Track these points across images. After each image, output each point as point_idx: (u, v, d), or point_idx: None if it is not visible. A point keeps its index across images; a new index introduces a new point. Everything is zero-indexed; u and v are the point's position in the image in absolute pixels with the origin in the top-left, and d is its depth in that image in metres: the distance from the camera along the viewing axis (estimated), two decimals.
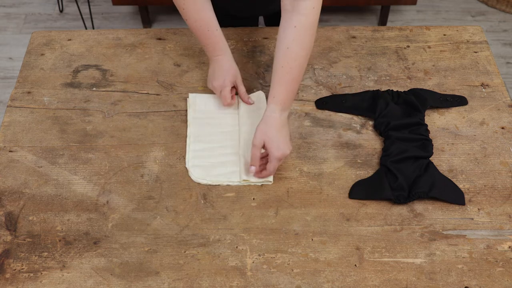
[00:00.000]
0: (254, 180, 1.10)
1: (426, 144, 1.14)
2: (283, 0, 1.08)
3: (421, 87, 1.28)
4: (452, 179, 1.11)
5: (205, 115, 1.22)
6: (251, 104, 1.22)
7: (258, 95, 1.25)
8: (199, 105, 1.23)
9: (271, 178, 1.11)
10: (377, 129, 1.19)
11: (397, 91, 1.24)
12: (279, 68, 1.09)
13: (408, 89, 1.27)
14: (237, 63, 1.30)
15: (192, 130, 1.19)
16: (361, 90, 1.27)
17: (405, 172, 1.10)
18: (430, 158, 1.13)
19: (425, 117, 1.21)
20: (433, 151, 1.15)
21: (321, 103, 1.25)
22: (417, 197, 1.07)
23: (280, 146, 1.07)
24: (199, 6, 1.17)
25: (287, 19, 1.08)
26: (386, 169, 1.11)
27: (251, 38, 1.38)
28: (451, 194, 1.08)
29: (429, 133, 1.17)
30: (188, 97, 1.25)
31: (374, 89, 1.26)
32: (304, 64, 1.10)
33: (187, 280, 0.98)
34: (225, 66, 1.20)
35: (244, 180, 1.10)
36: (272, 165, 1.08)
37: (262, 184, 1.11)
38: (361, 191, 1.09)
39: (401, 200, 1.07)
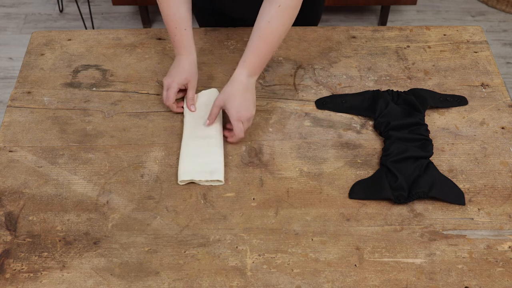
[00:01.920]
0: (201, 178, 1.10)
1: (426, 144, 1.14)
2: None
3: (421, 87, 1.28)
4: (452, 179, 1.11)
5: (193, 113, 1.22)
6: (193, 111, 1.20)
7: (210, 93, 1.25)
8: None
9: (222, 178, 1.10)
10: (377, 129, 1.19)
11: (397, 91, 1.24)
12: (256, 37, 1.13)
13: (408, 89, 1.27)
14: (237, 63, 1.30)
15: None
16: (361, 90, 1.27)
17: (405, 172, 1.10)
18: (431, 158, 1.13)
19: (425, 117, 1.20)
20: (433, 151, 1.15)
21: (321, 103, 1.25)
22: (417, 197, 1.07)
23: (239, 108, 1.12)
24: (173, 2, 1.17)
25: None
26: (386, 169, 1.11)
27: None
28: (451, 194, 1.08)
29: (429, 133, 1.17)
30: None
31: (374, 89, 1.26)
32: (281, 39, 1.14)
33: (187, 280, 0.98)
34: (181, 67, 1.20)
35: (182, 180, 1.11)
36: (235, 127, 1.13)
37: (217, 185, 1.11)
38: (361, 191, 1.09)
39: (401, 200, 1.07)
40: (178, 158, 1.14)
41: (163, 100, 1.21)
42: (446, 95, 1.25)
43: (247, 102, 1.14)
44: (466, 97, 1.26)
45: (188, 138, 1.16)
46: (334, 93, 1.27)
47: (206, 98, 1.23)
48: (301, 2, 1.12)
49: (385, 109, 1.19)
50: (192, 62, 1.21)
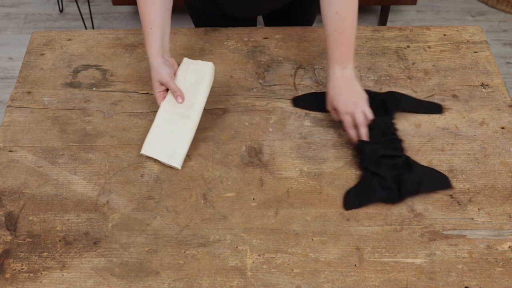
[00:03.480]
0: (159, 158, 1.11)
1: (395, 143, 1.14)
2: None
3: (421, 87, 1.28)
4: (452, 179, 1.11)
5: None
6: (180, 102, 1.15)
7: (201, 69, 1.19)
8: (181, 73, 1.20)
9: (179, 165, 1.11)
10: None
11: (374, 91, 1.23)
12: (332, 32, 1.13)
13: (408, 89, 1.27)
14: (237, 63, 1.30)
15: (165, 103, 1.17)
16: None
17: (386, 172, 1.10)
18: (419, 159, 1.14)
19: (394, 119, 1.20)
20: (433, 151, 1.16)
21: (298, 101, 1.25)
22: (408, 195, 1.08)
23: (347, 103, 1.12)
24: (147, 1, 1.15)
25: None
26: (370, 172, 1.11)
27: (251, 38, 1.39)
28: (438, 183, 1.09)
29: (397, 130, 1.17)
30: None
31: None
32: (355, 23, 1.15)
33: (187, 280, 0.98)
34: (152, 69, 1.16)
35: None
36: (344, 120, 1.12)
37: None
38: (354, 200, 1.09)
39: (393, 199, 1.07)
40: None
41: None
42: (422, 101, 1.24)
43: (351, 94, 1.13)
44: (466, 97, 1.26)
45: (166, 112, 1.15)
46: (312, 92, 1.26)
47: (196, 76, 1.18)
48: None
49: None
50: (160, 63, 1.15)
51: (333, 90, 1.14)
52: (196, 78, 1.18)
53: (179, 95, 1.15)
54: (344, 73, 1.14)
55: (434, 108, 1.24)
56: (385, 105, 1.19)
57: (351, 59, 1.15)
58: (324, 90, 1.26)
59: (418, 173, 1.10)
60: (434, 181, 1.10)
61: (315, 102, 1.24)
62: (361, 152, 1.13)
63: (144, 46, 1.19)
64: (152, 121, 1.22)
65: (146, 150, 1.12)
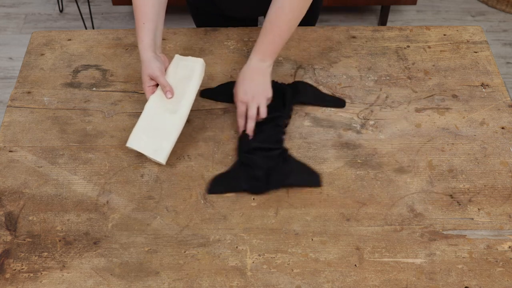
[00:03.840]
0: (145, 152, 1.11)
1: (276, 135, 1.15)
2: None
3: (421, 87, 1.28)
4: (452, 179, 1.11)
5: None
6: (169, 98, 1.14)
7: (192, 65, 1.19)
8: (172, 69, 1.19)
9: (163, 161, 1.11)
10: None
11: (281, 83, 1.24)
12: (267, 23, 1.14)
13: (408, 88, 1.27)
14: (237, 63, 1.30)
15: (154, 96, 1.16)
16: (362, 90, 1.27)
17: (259, 163, 1.10)
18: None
19: (292, 111, 1.21)
20: (433, 151, 1.16)
21: (206, 92, 1.26)
22: (274, 187, 1.08)
23: (246, 90, 1.14)
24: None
25: None
26: (240, 162, 1.12)
27: (251, 38, 1.38)
28: (307, 179, 1.10)
29: (287, 124, 1.18)
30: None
31: None
32: (294, 25, 1.15)
33: (187, 280, 0.98)
34: (143, 63, 1.15)
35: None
36: (238, 108, 1.14)
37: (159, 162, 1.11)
38: (219, 185, 1.10)
39: (258, 190, 1.08)
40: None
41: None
42: (326, 95, 1.25)
43: (255, 86, 1.14)
44: (466, 97, 1.26)
45: (154, 106, 1.14)
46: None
47: (186, 71, 1.18)
48: None
49: None
50: (151, 58, 1.14)
51: (241, 76, 1.16)
52: (186, 73, 1.17)
53: (168, 90, 1.14)
54: (259, 65, 1.16)
55: (338, 103, 1.24)
56: (283, 97, 1.20)
57: (273, 55, 1.16)
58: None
59: (289, 166, 1.11)
60: (304, 176, 1.11)
61: (222, 91, 1.25)
62: (239, 143, 1.15)
63: (136, 41, 1.18)
64: None
65: (131, 143, 1.11)
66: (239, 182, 1.09)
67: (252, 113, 1.14)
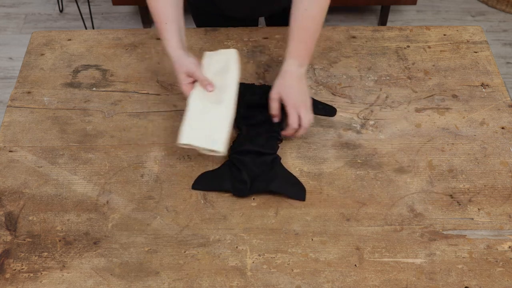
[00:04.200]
0: (200, 144, 1.07)
1: (272, 141, 1.14)
2: None
3: (421, 87, 1.28)
4: (452, 179, 1.11)
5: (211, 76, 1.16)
6: (210, 91, 1.12)
7: (226, 56, 1.18)
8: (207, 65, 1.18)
9: (222, 149, 1.07)
10: (236, 119, 1.16)
11: (269, 85, 1.20)
12: (295, 27, 1.13)
13: (404, 88, 1.27)
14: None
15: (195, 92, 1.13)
16: (362, 90, 1.27)
17: (249, 166, 1.10)
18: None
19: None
20: (433, 151, 1.16)
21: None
22: (255, 191, 1.08)
23: (296, 99, 1.11)
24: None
25: None
26: (231, 162, 1.12)
27: (251, 38, 1.39)
28: (291, 189, 1.09)
29: (281, 130, 1.16)
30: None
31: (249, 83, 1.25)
32: (321, 24, 1.14)
33: (187, 280, 0.98)
34: (176, 63, 1.13)
35: (185, 144, 1.07)
36: (291, 115, 1.10)
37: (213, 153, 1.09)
38: (203, 182, 1.10)
39: (240, 193, 1.08)
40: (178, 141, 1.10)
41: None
42: (318, 102, 1.20)
43: (302, 93, 1.12)
44: (466, 97, 1.26)
45: (197, 100, 1.11)
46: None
47: (221, 64, 1.16)
48: None
49: (244, 101, 1.18)
50: (182, 55, 1.13)
51: (285, 83, 1.12)
52: (221, 66, 1.15)
53: (208, 84, 1.11)
54: (298, 71, 1.12)
55: (329, 112, 1.20)
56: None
57: (308, 58, 1.15)
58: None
59: (276, 173, 1.10)
60: (288, 187, 1.09)
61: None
62: (234, 142, 1.14)
63: (162, 43, 1.15)
64: (152, 121, 1.22)
65: (184, 139, 1.06)
66: (222, 181, 1.09)
67: (308, 118, 1.11)
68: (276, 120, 1.14)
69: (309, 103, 1.12)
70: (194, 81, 1.13)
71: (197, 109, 1.10)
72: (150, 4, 1.15)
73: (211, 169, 1.13)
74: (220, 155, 1.08)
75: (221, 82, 1.13)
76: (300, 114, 1.11)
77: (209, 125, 1.09)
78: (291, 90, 1.11)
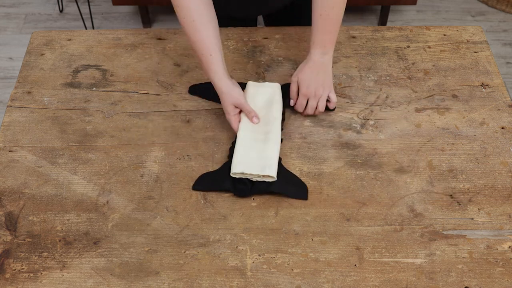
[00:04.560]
0: (252, 172, 1.09)
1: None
2: None
3: (421, 87, 1.28)
4: (452, 179, 1.11)
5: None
6: (256, 123, 1.17)
7: (272, 88, 1.23)
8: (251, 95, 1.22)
9: (274, 174, 1.09)
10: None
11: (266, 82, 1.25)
12: (317, 16, 1.15)
13: (404, 88, 1.27)
14: (237, 63, 1.30)
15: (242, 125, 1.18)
16: (362, 90, 1.27)
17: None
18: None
19: (285, 114, 1.22)
20: (433, 151, 1.16)
21: (193, 90, 1.27)
22: (257, 192, 1.08)
23: (309, 83, 1.18)
24: (200, 27, 1.13)
25: None
26: (230, 163, 1.12)
27: (251, 38, 1.39)
28: (293, 189, 1.09)
29: (282, 129, 1.19)
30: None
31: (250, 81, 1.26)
32: (342, 9, 1.16)
33: (187, 280, 0.98)
34: (223, 94, 1.16)
35: (241, 173, 1.09)
36: (299, 102, 1.20)
37: (263, 179, 1.10)
38: (204, 182, 1.10)
39: (242, 193, 1.08)
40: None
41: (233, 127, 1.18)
42: None
43: (318, 80, 1.18)
44: (466, 97, 1.26)
45: (246, 130, 1.15)
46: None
47: (268, 96, 1.21)
48: None
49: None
50: (230, 86, 1.16)
51: (305, 70, 1.19)
52: (267, 98, 1.21)
53: (254, 116, 1.16)
54: (322, 60, 1.18)
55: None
56: (271, 99, 1.21)
57: (333, 45, 1.18)
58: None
59: (278, 174, 1.10)
60: (290, 187, 1.09)
61: (207, 90, 1.24)
62: (232, 144, 1.15)
63: (205, 72, 1.16)
64: (152, 121, 1.22)
65: (238, 168, 1.09)
66: (223, 181, 1.09)
67: (312, 106, 1.19)
68: (292, 103, 1.22)
69: (327, 90, 1.19)
70: (240, 111, 1.18)
71: (247, 139, 1.14)
72: (193, 37, 1.14)
73: (211, 169, 1.13)
74: (270, 179, 1.09)
75: (267, 114, 1.18)
76: (311, 101, 1.19)
77: (259, 153, 1.12)
78: (307, 77, 1.18)
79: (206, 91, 1.25)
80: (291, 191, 1.09)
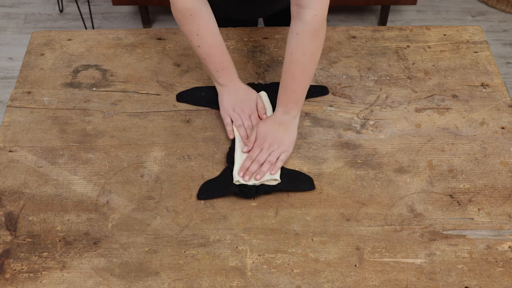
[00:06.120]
0: (253, 181, 1.10)
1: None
2: (291, 7, 1.08)
3: (421, 87, 1.28)
4: (452, 179, 1.11)
5: None
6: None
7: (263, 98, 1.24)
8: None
9: (278, 177, 1.10)
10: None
11: (258, 83, 1.27)
12: (283, 73, 1.12)
13: (407, 88, 1.27)
14: (237, 63, 1.30)
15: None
16: (362, 90, 1.27)
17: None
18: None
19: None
20: (433, 151, 1.16)
21: (181, 96, 1.26)
22: (264, 192, 1.08)
23: (267, 137, 1.13)
24: (214, 30, 1.15)
25: (292, 25, 1.09)
26: (229, 169, 1.12)
27: (251, 38, 1.39)
28: (298, 184, 1.10)
29: None
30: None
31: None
32: (308, 69, 1.11)
33: (187, 280, 0.98)
34: (239, 97, 1.19)
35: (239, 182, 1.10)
36: (252, 151, 1.12)
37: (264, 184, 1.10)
38: (208, 190, 1.10)
39: (248, 195, 1.08)
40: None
41: (228, 134, 1.18)
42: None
43: (277, 135, 1.13)
44: (466, 97, 1.26)
45: (238, 141, 1.17)
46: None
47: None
48: (321, 27, 1.08)
49: None
50: (243, 87, 1.19)
51: (266, 124, 1.14)
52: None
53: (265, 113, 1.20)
54: (283, 118, 1.14)
55: (320, 91, 1.26)
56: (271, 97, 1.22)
57: (297, 104, 1.13)
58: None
59: (281, 173, 1.11)
60: (296, 181, 1.10)
61: (197, 97, 1.25)
62: (231, 147, 1.16)
63: (218, 77, 1.20)
64: (152, 121, 1.22)
65: (238, 176, 1.10)
66: (228, 186, 1.09)
67: (261, 159, 1.11)
68: (245, 149, 1.14)
69: (282, 149, 1.12)
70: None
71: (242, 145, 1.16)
72: (206, 53, 1.17)
73: (211, 169, 1.13)
74: (275, 183, 1.10)
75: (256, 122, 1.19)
76: (262, 153, 1.12)
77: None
78: (267, 129, 1.14)
79: (194, 96, 1.25)
80: (298, 186, 1.09)
